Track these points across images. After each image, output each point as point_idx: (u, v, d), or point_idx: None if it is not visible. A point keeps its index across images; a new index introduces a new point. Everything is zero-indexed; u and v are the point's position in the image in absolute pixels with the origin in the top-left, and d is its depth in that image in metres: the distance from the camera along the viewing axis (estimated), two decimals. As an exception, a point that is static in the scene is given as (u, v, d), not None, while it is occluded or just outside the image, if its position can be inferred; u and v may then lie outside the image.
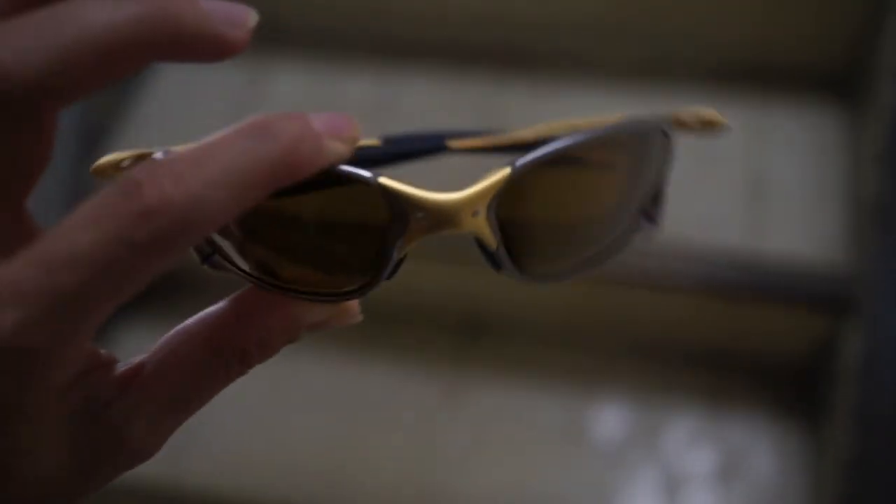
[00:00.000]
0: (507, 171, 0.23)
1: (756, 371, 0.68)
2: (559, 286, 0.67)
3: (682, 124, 0.25)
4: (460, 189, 0.22)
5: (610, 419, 0.67)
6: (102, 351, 0.21)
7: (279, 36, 0.78)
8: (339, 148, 0.21)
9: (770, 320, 0.66)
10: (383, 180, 0.22)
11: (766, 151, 0.68)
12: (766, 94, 0.71)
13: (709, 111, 0.25)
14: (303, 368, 0.70)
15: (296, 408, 0.69)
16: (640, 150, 0.25)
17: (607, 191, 0.25)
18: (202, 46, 0.20)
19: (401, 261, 0.24)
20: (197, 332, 0.21)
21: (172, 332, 0.22)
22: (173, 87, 0.78)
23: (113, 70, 0.19)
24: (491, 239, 0.23)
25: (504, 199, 0.23)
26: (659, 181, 0.26)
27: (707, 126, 0.25)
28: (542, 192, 0.24)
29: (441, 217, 0.23)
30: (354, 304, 0.24)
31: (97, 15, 0.18)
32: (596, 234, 0.25)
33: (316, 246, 0.23)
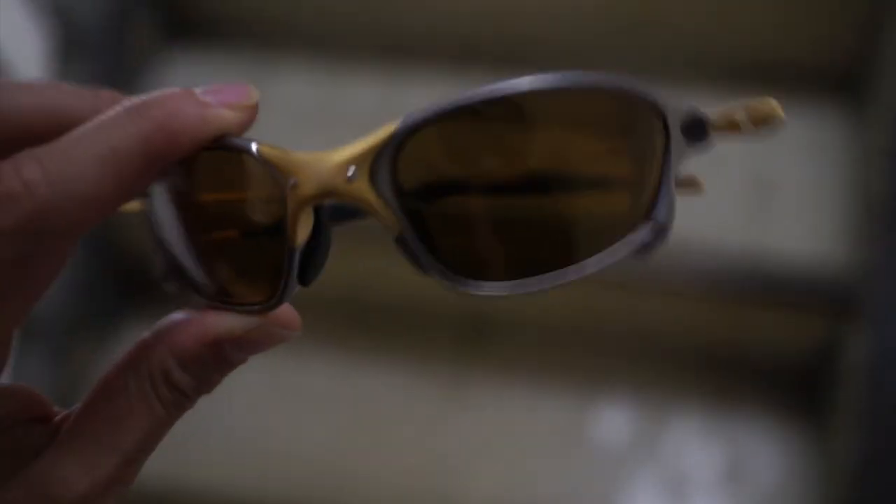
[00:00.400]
0: (394, 125, 0.19)
1: (760, 372, 0.67)
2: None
3: (732, 126, 0.20)
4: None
5: (613, 421, 0.67)
6: (41, 396, 0.21)
7: (281, 36, 0.78)
8: (226, 115, 0.20)
9: (774, 321, 0.66)
10: (262, 147, 0.20)
11: (770, 151, 0.68)
12: (768, 92, 0.70)
13: (765, 103, 0.20)
14: (305, 369, 0.70)
15: (298, 408, 0.69)
16: (614, 122, 0.20)
17: (562, 169, 0.20)
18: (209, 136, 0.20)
19: (312, 258, 0.21)
20: (121, 360, 0.21)
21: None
22: (179, 86, 0.78)
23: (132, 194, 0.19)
24: (386, 213, 0.19)
25: (404, 167, 0.19)
26: (654, 175, 0.20)
27: (763, 124, 0.20)
28: (469, 164, 0.20)
29: (312, 180, 0.19)
30: (287, 319, 0.21)
31: (115, 139, 0.19)
32: (551, 228, 0.20)
33: (229, 248, 0.22)
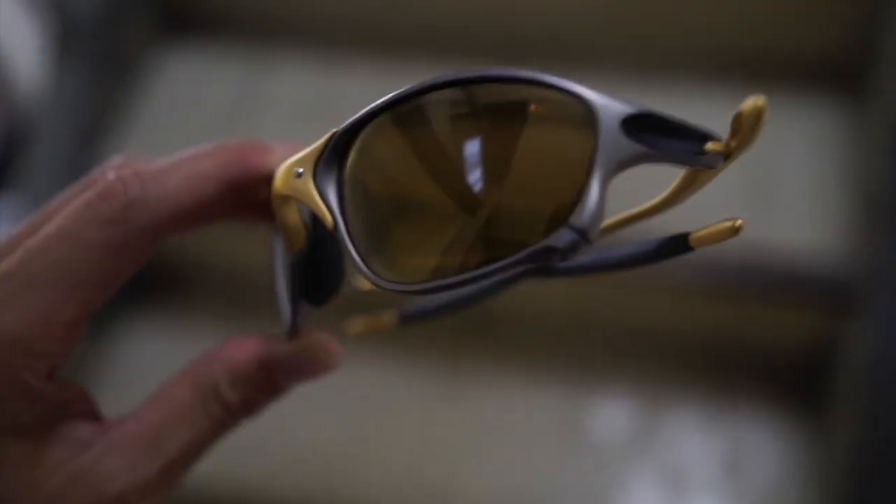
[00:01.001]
0: (334, 130, 0.21)
1: (759, 367, 0.68)
2: (558, 282, 0.67)
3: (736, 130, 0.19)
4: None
5: (611, 415, 0.67)
6: (93, 398, 0.22)
7: (278, 31, 0.78)
8: (286, 152, 0.23)
9: (773, 316, 0.66)
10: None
11: (768, 145, 0.68)
12: (766, 86, 0.70)
13: (750, 106, 0.18)
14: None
15: (294, 403, 0.69)
16: (537, 117, 0.19)
17: (482, 167, 0.20)
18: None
19: (317, 273, 0.22)
20: (183, 368, 0.22)
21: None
22: (174, 85, 0.77)
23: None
24: (322, 207, 0.20)
25: (350, 167, 0.21)
26: (580, 175, 0.18)
27: (757, 128, 0.19)
28: (398, 165, 0.21)
29: (277, 178, 0.21)
30: (331, 347, 0.24)
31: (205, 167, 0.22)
32: (469, 228, 0.20)
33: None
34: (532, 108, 0.19)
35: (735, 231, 0.20)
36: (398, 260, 0.20)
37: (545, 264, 0.18)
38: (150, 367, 0.69)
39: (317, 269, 0.23)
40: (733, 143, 0.19)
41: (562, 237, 0.18)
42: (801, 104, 0.70)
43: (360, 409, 0.69)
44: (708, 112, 0.72)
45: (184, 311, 0.73)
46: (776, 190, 0.66)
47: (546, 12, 0.74)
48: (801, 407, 0.66)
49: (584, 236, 0.18)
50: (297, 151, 0.22)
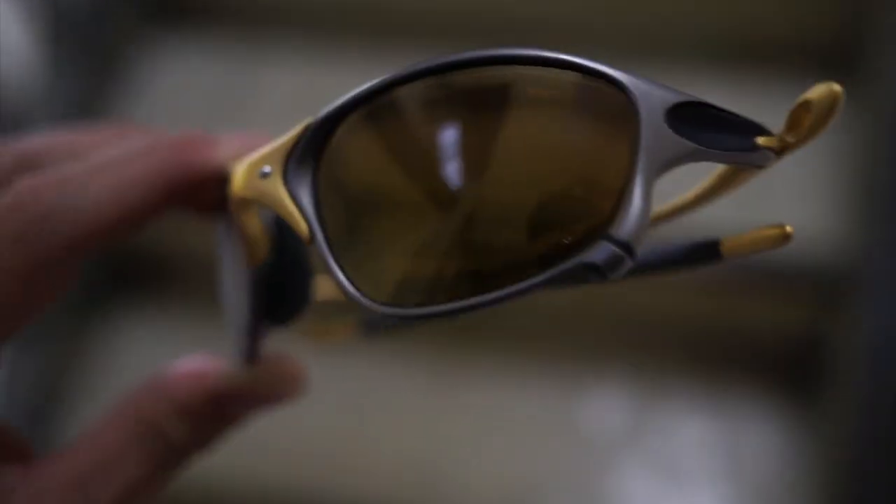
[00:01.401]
0: (308, 121, 0.17)
1: (757, 359, 0.68)
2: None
3: (797, 122, 0.16)
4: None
5: (606, 407, 0.67)
6: (22, 437, 0.20)
7: (271, 21, 0.78)
8: (234, 145, 0.20)
9: (770, 306, 0.66)
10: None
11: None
12: (759, 73, 0.70)
13: (823, 91, 0.16)
14: (301, 357, 0.70)
15: (298, 403, 0.69)
16: (564, 109, 0.16)
17: (497, 170, 0.16)
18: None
19: (282, 289, 0.19)
20: (114, 406, 0.20)
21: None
22: (164, 76, 0.77)
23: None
24: (295, 215, 0.17)
25: (326, 166, 0.17)
26: (620, 179, 0.15)
27: (829, 118, 0.16)
28: (394, 164, 0.17)
29: (237, 178, 0.18)
30: (292, 372, 0.21)
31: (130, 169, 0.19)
32: (479, 244, 0.16)
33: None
34: (555, 95, 0.16)
35: (786, 239, 0.17)
36: (390, 278, 0.17)
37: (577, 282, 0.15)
38: (136, 364, 0.69)
39: (282, 284, 0.20)
40: (789, 138, 0.16)
41: (600, 252, 0.15)
42: (796, 92, 0.70)
43: (357, 403, 0.69)
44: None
45: (170, 307, 0.73)
46: (770, 178, 0.66)
47: (543, 5, 0.74)
48: (798, 397, 0.66)
49: (627, 250, 0.15)
50: (247, 143, 0.19)
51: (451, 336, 0.71)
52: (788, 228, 0.17)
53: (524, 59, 0.16)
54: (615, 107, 0.15)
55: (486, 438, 0.66)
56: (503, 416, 0.67)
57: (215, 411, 0.20)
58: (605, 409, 0.67)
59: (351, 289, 0.16)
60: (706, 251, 0.18)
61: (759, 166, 0.17)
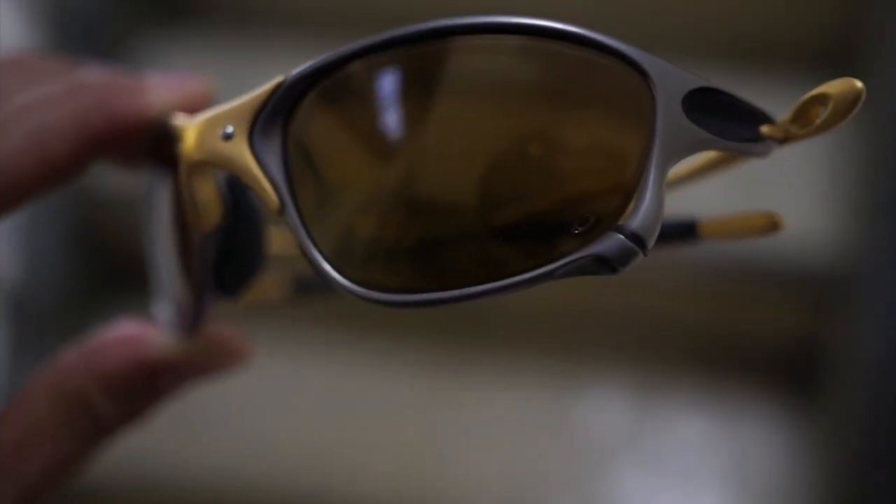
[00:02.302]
0: (280, 78, 0.15)
1: (757, 361, 0.68)
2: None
3: (803, 119, 0.15)
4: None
5: (605, 410, 0.67)
6: None
7: (270, 16, 0.78)
8: (166, 94, 0.18)
9: (770, 309, 0.66)
10: (180, 118, 0.16)
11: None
12: (758, 74, 0.70)
13: (846, 84, 0.15)
14: (297, 362, 0.70)
15: (293, 400, 0.69)
16: (578, 87, 0.15)
17: (498, 147, 0.15)
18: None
19: (231, 257, 0.17)
20: (34, 380, 0.18)
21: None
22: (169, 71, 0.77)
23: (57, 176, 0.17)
24: (265, 184, 0.15)
25: (298, 130, 0.15)
26: (633, 167, 0.14)
27: (848, 112, 0.15)
28: (381, 133, 0.15)
29: (190, 138, 0.16)
30: (234, 344, 0.19)
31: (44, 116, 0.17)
32: (480, 227, 0.15)
33: (174, 244, 0.19)
34: (565, 72, 0.15)
35: (775, 227, 0.16)
36: (370, 257, 0.15)
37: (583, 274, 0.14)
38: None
39: (233, 251, 0.18)
40: (793, 128, 0.15)
41: (612, 244, 0.14)
42: (795, 94, 0.69)
43: (355, 404, 0.69)
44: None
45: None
46: (771, 181, 0.66)
47: (539, 4, 0.73)
48: (798, 399, 0.66)
49: (640, 244, 0.14)
50: (178, 88, 0.18)
51: (449, 336, 0.71)
52: (778, 218, 0.16)
53: (534, 30, 0.15)
54: (629, 88, 0.14)
55: (486, 439, 0.66)
56: (503, 416, 0.67)
57: (147, 383, 0.18)
58: (604, 410, 0.67)
59: (328, 269, 0.15)
60: (684, 230, 0.17)
61: (761, 155, 0.16)
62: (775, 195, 0.65)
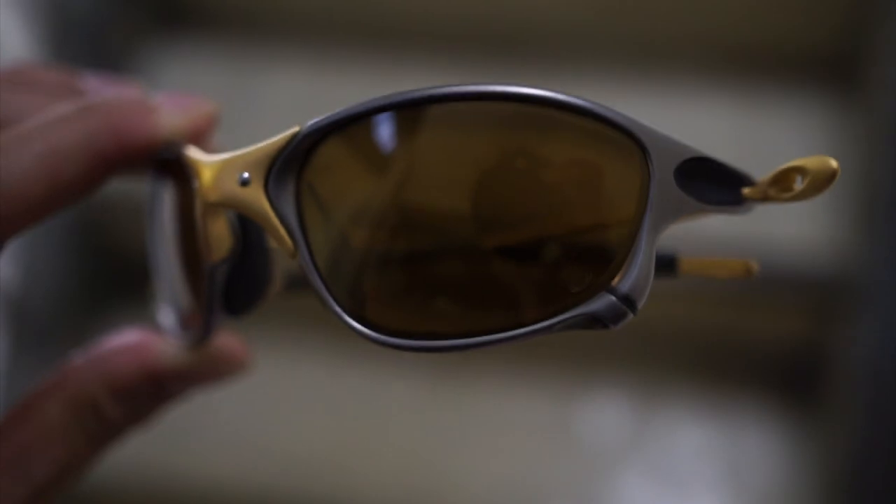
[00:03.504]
0: (299, 126, 0.16)
1: (757, 367, 0.68)
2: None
3: (780, 189, 0.16)
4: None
5: (605, 414, 0.67)
6: None
7: (273, 26, 0.78)
8: (174, 118, 0.19)
9: (770, 315, 0.66)
10: (190, 151, 0.17)
11: (761, 139, 0.68)
12: (760, 81, 0.70)
13: (821, 162, 0.16)
14: (298, 364, 0.70)
15: (289, 403, 0.69)
16: (578, 154, 0.16)
17: (500, 205, 0.16)
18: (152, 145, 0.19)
19: (238, 281, 0.18)
20: (45, 383, 0.19)
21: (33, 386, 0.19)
22: (167, 82, 0.77)
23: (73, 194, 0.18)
24: (280, 229, 0.16)
25: (313, 178, 0.16)
26: (627, 231, 0.15)
27: (822, 188, 0.16)
28: (390, 187, 0.16)
29: (209, 182, 0.16)
30: (234, 353, 0.20)
31: (54, 138, 0.17)
32: (480, 279, 0.16)
33: (183, 267, 0.20)
34: (563, 133, 0.16)
35: (748, 273, 0.17)
36: (380, 301, 0.16)
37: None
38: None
39: (242, 277, 0.19)
40: (772, 192, 0.16)
41: (604, 305, 0.15)
42: (795, 100, 0.70)
43: (357, 409, 0.69)
44: (697, 109, 0.72)
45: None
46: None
47: (542, 10, 0.74)
48: (798, 406, 0.66)
49: (630, 304, 0.15)
50: (185, 110, 0.18)
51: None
52: (754, 265, 0.17)
53: (538, 100, 0.15)
54: (627, 156, 0.15)
55: (487, 446, 0.66)
56: (503, 423, 0.67)
57: (153, 389, 0.19)
58: (605, 416, 0.67)
59: (340, 312, 0.16)
60: (665, 264, 0.18)
61: (743, 213, 0.17)
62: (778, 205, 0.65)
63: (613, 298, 0.15)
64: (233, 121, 0.72)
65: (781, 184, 0.16)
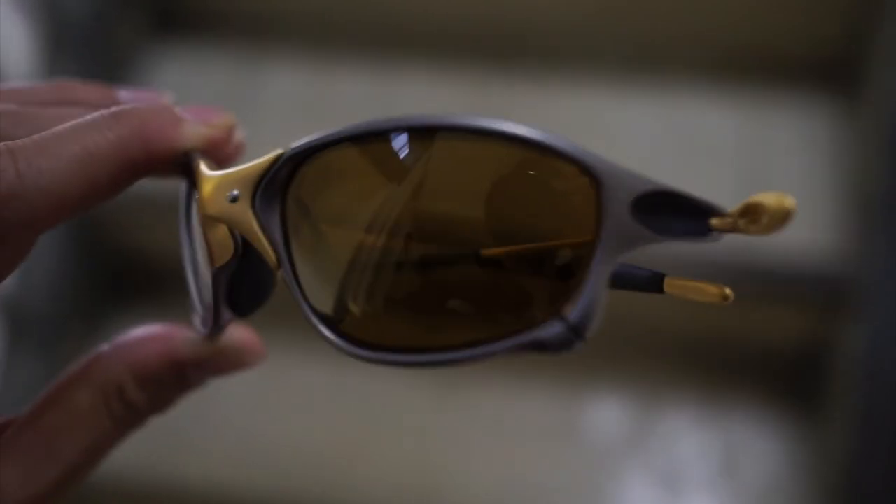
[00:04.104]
0: (283, 150, 0.18)
1: (755, 367, 0.67)
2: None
3: (754, 216, 0.16)
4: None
5: (606, 415, 0.67)
6: None
7: (270, 30, 0.78)
8: (200, 130, 0.20)
9: (767, 314, 0.66)
10: (199, 162, 0.19)
11: (761, 143, 0.68)
12: (759, 83, 0.70)
13: (775, 200, 0.16)
14: (299, 365, 0.70)
15: (291, 404, 0.69)
16: (538, 186, 0.17)
17: (463, 228, 0.17)
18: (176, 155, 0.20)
19: (241, 285, 0.19)
20: (75, 370, 0.20)
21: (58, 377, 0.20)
22: (165, 83, 0.77)
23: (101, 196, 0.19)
24: (264, 243, 0.17)
25: (296, 197, 0.17)
26: (581, 261, 0.16)
27: (777, 226, 0.16)
28: (362, 207, 0.17)
29: (205, 197, 0.18)
30: (252, 345, 0.21)
31: (91, 138, 0.18)
32: (442, 298, 0.17)
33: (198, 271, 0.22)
34: (527, 164, 0.16)
35: (724, 299, 0.17)
36: (354, 314, 0.17)
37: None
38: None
39: (244, 282, 0.20)
40: (742, 223, 0.16)
41: (552, 331, 0.16)
42: (795, 102, 0.70)
43: (360, 411, 0.69)
44: (698, 110, 0.72)
45: (169, 309, 0.73)
46: (769, 189, 0.66)
47: (543, 6, 0.74)
48: (796, 405, 0.66)
49: (577, 333, 0.16)
50: (211, 122, 0.20)
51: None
52: (728, 292, 0.17)
53: (499, 135, 0.16)
54: (584, 189, 0.16)
55: (488, 447, 0.66)
56: (505, 424, 0.67)
57: (175, 376, 0.21)
58: (606, 417, 0.67)
59: (316, 322, 0.17)
60: (651, 282, 0.18)
61: (712, 242, 0.17)
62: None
63: (561, 327, 0.15)
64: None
65: (750, 216, 0.16)
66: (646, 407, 0.67)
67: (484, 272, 0.17)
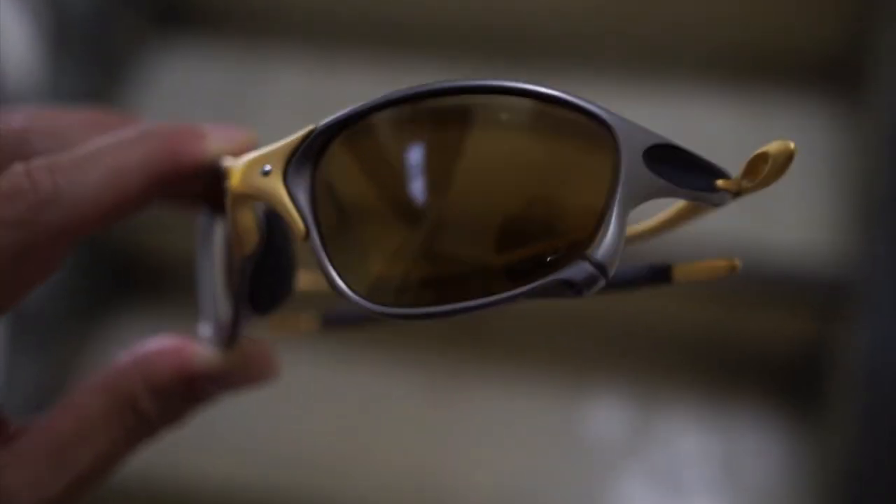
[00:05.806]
0: (311, 127, 0.19)
1: (756, 368, 0.68)
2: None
3: (755, 171, 0.18)
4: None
5: (606, 415, 0.67)
6: None
7: (273, 26, 0.78)
8: (221, 143, 0.21)
9: (768, 315, 0.66)
10: (228, 160, 0.20)
11: (760, 144, 0.68)
12: (760, 84, 0.70)
13: (776, 148, 0.18)
14: (300, 365, 0.70)
15: (292, 404, 0.69)
16: (555, 138, 0.18)
17: (490, 186, 0.18)
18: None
19: (264, 278, 0.20)
20: (91, 380, 0.21)
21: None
22: (168, 81, 0.77)
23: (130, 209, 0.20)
24: (294, 214, 0.18)
25: (326, 170, 0.19)
26: (600, 206, 0.17)
27: (781, 171, 0.18)
28: (390, 176, 0.18)
29: (236, 174, 0.19)
30: (267, 361, 0.22)
31: (121, 157, 0.20)
32: (469, 253, 0.18)
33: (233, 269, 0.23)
34: (545, 123, 0.18)
35: (733, 270, 0.19)
36: (377, 277, 0.18)
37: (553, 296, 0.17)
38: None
39: (266, 275, 0.21)
40: (745, 182, 0.18)
41: (578, 270, 0.17)
42: (795, 102, 0.70)
43: (357, 411, 0.69)
44: (699, 110, 0.72)
45: (170, 309, 0.73)
46: (772, 191, 0.66)
47: (544, 9, 0.74)
48: (796, 407, 0.66)
49: (602, 271, 0.17)
50: (233, 139, 0.21)
51: (450, 344, 0.71)
52: (737, 262, 0.19)
53: (520, 92, 0.17)
54: (599, 139, 0.17)
55: (486, 448, 0.66)
56: (503, 425, 0.67)
57: (188, 390, 0.21)
58: (604, 419, 0.67)
59: (341, 284, 0.18)
60: (659, 274, 0.20)
61: (717, 204, 0.19)
62: (777, 205, 0.65)
63: (588, 264, 0.17)
64: (233, 121, 0.72)
65: (752, 174, 0.18)
66: (646, 407, 0.67)
67: (510, 224, 0.18)
